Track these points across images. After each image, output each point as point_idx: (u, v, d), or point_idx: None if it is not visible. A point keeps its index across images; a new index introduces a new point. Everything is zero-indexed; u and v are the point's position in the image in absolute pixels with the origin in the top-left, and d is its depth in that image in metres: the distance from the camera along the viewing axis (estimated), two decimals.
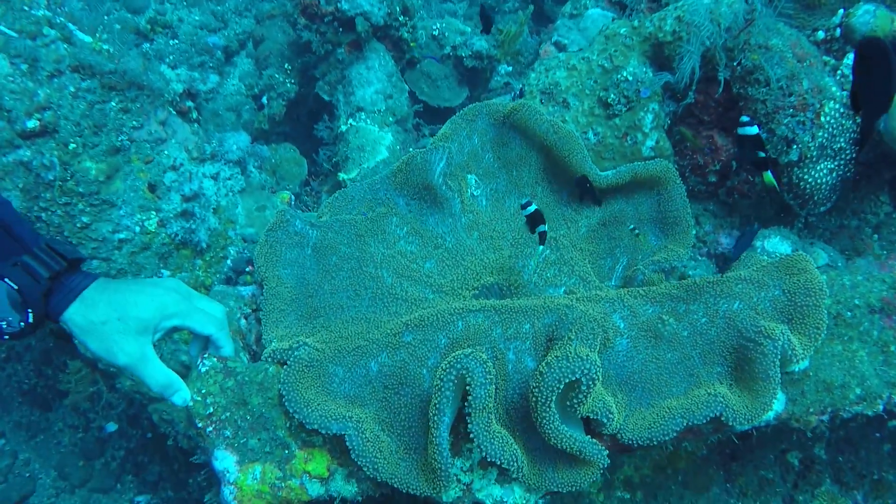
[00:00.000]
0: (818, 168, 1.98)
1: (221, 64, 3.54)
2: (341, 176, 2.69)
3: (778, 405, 1.58)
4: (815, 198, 2.04)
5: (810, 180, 1.99)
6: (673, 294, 1.59)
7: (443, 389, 1.30)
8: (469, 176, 2.14)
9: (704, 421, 1.45)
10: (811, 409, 1.59)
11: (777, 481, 2.20)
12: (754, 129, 1.72)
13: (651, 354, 1.53)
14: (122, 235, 2.23)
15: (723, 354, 1.53)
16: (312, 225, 2.01)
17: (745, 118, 1.73)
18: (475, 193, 2.13)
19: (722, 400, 1.45)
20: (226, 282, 2.36)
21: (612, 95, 2.08)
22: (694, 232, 2.09)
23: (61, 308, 1.31)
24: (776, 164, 1.97)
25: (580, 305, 1.50)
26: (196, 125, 2.63)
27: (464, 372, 1.30)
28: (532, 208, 1.72)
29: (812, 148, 1.92)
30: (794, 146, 1.92)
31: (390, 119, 2.91)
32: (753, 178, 2.06)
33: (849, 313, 1.62)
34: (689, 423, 1.46)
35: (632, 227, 2.00)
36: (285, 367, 1.52)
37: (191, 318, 1.44)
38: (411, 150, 2.93)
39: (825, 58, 2.02)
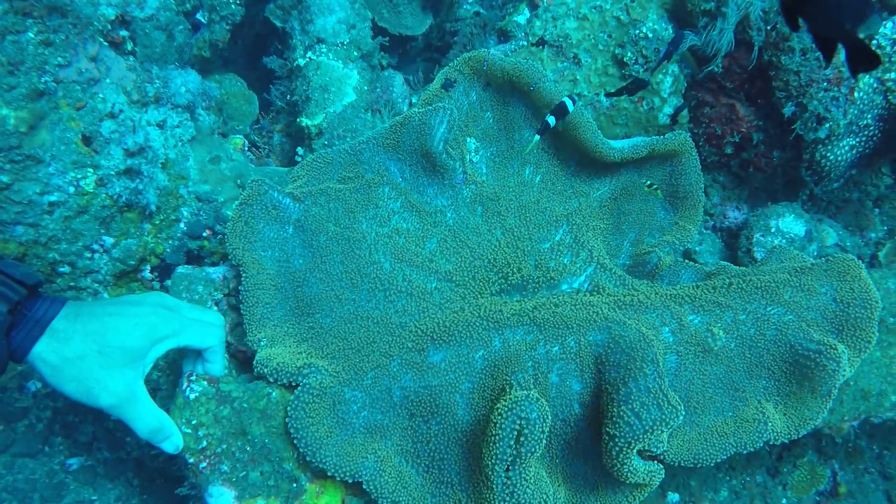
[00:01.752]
0: (840, 145, 1.86)
1: None
2: (305, 122, 2.38)
3: None
4: (832, 175, 1.93)
5: (832, 158, 1.88)
6: (720, 301, 1.45)
7: (504, 439, 1.12)
8: (468, 139, 1.90)
9: (753, 449, 1.36)
10: (846, 417, 1.53)
11: (763, 455, 2.20)
12: None
13: (698, 369, 1.40)
14: (52, 198, 1.88)
15: (770, 368, 1.42)
16: (293, 197, 1.74)
17: None
18: (474, 159, 1.90)
19: (771, 426, 1.36)
20: (178, 249, 2.06)
21: (628, 53, 1.86)
22: (703, 206, 1.95)
23: (27, 346, 1.05)
24: (801, 139, 1.83)
25: (630, 321, 1.34)
26: (132, 58, 2.22)
27: (523, 422, 1.12)
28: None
29: (841, 125, 1.79)
30: (826, 124, 1.78)
31: (355, 53, 2.57)
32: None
33: (892, 319, 1.54)
34: (739, 451, 1.36)
35: (648, 182, 1.82)
36: (294, 396, 1.30)
37: (186, 334, 1.20)
38: (378, 89, 2.63)
39: None
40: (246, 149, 2.47)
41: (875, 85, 1.80)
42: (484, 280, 1.63)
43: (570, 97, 1.69)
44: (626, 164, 1.89)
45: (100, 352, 1.07)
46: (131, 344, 1.11)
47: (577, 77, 1.87)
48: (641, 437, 1.15)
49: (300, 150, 2.42)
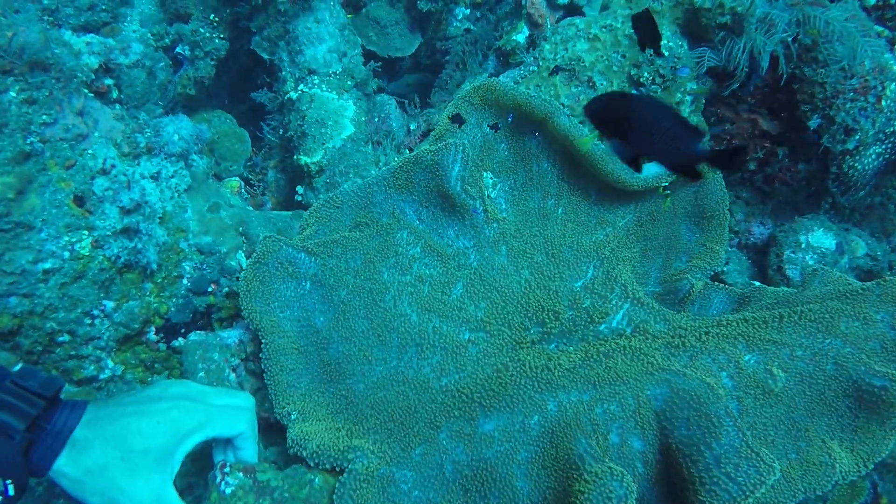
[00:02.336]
0: (867, 154, 1.80)
1: (115, 5, 2.91)
2: (304, 159, 2.27)
3: None
4: (859, 184, 1.87)
5: (859, 167, 1.82)
6: (775, 338, 1.38)
7: None
8: (485, 174, 1.81)
9: (822, 493, 1.30)
10: None
11: None
12: None
13: (759, 413, 1.33)
14: (46, 265, 1.76)
15: (832, 405, 1.35)
16: (308, 251, 1.64)
17: None
18: (492, 195, 1.81)
19: (839, 467, 1.29)
20: (183, 308, 1.95)
21: (644, 74, 1.78)
22: (728, 225, 1.89)
23: (48, 462, 0.95)
24: (827, 152, 1.77)
25: (688, 370, 1.26)
26: (119, 107, 2.11)
27: (608, 501, 1.04)
28: None
29: (870, 135, 1.73)
30: (855, 135, 1.72)
31: (349, 83, 2.47)
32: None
33: None
34: (808, 496, 1.29)
35: (664, 182, 1.74)
36: (340, 484, 1.20)
37: (214, 424, 1.11)
38: (376, 119, 2.53)
39: (878, 28, 1.80)
40: (242, 191, 2.36)
41: None
42: (520, 327, 1.54)
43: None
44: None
45: (122, 458, 0.98)
46: (155, 445, 1.01)
47: None
48: (741, 501, 1.07)
49: (300, 189, 2.32)
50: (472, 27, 2.94)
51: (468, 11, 2.99)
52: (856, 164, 1.80)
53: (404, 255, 1.68)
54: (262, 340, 1.53)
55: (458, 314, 1.59)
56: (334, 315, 1.57)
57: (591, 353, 1.37)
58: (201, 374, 1.53)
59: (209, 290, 1.97)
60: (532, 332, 1.54)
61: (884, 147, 1.81)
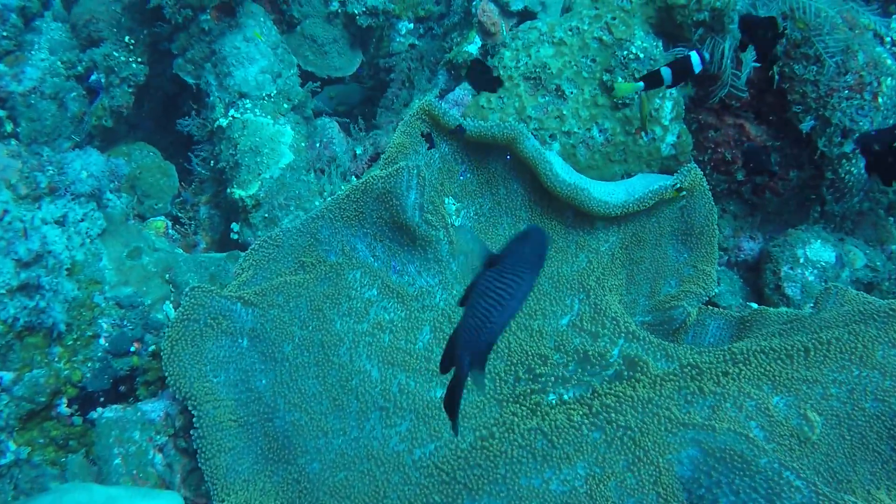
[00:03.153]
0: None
1: (19, 32, 2.61)
2: (238, 193, 2.01)
3: None
4: (854, 189, 1.71)
5: (856, 172, 1.66)
6: (804, 376, 1.17)
7: None
8: (447, 200, 1.58)
9: None
10: None
11: None
12: None
13: (795, 466, 1.11)
14: None
15: (876, 448, 1.15)
16: (244, 301, 1.38)
17: None
18: (456, 223, 1.58)
19: None
20: (101, 373, 1.65)
21: (618, 79, 1.59)
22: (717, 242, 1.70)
23: None
24: (823, 156, 1.60)
25: (715, 423, 1.04)
26: (14, 142, 1.82)
27: None
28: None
29: None
30: (853, 137, 1.56)
31: (285, 106, 2.23)
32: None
33: None
34: None
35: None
36: None
37: None
38: (318, 144, 2.29)
39: (864, 19, 1.65)
40: (169, 229, 2.08)
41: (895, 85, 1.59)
42: (502, 379, 1.31)
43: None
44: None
45: None
46: None
47: (564, 112, 1.60)
48: None
49: (235, 227, 2.05)
50: (417, 42, 2.74)
51: (412, 26, 2.78)
52: (852, 169, 1.64)
53: (358, 298, 1.43)
54: (194, 413, 1.26)
55: (428, 365, 1.35)
56: (279, 376, 1.31)
57: (594, 408, 1.15)
58: (117, 461, 1.25)
59: (132, 349, 1.68)
60: (519, 383, 1.31)
61: None
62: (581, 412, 1.15)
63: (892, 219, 1.95)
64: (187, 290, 1.32)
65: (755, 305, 1.74)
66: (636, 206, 1.56)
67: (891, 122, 1.62)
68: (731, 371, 1.20)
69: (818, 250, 1.70)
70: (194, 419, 1.24)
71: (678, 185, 1.54)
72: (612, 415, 1.12)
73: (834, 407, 1.15)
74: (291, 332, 1.36)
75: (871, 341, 1.19)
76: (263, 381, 1.31)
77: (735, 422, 1.08)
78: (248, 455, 1.22)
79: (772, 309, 1.59)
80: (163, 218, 2.09)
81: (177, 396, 1.28)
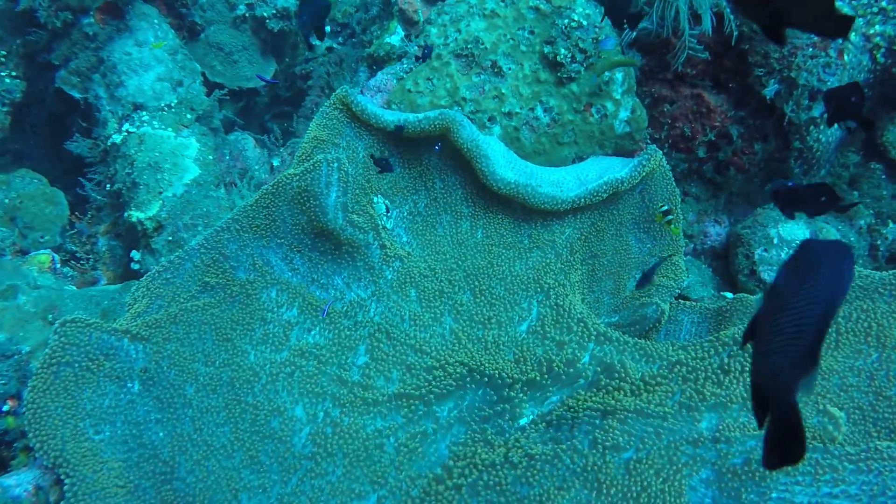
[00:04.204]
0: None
1: None
2: (135, 215, 1.74)
3: None
4: (822, 159, 1.56)
5: (824, 140, 1.50)
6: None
7: None
8: (375, 198, 1.36)
9: None
10: None
11: None
12: None
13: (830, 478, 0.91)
14: None
15: None
16: (132, 336, 1.11)
17: None
18: (387, 225, 1.35)
19: None
20: None
21: (561, 51, 1.40)
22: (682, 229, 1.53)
23: None
24: (790, 123, 1.45)
25: (725, 432, 0.83)
26: None
27: None
28: None
29: None
30: (820, 98, 1.40)
31: (188, 116, 1.97)
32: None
33: None
34: None
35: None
36: None
37: None
38: (227, 157, 2.03)
39: None
40: (57, 266, 1.78)
41: (861, 44, 1.45)
42: (457, 403, 1.07)
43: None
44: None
45: None
46: None
47: (503, 91, 1.39)
48: None
49: (135, 255, 1.77)
50: (334, 45, 2.52)
51: (328, 29, 2.56)
52: (820, 136, 1.49)
53: (276, 321, 1.18)
54: (66, 481, 0.98)
55: (365, 395, 1.11)
56: (179, 426, 1.05)
57: (576, 426, 0.92)
58: None
59: (4, 408, 1.39)
60: (476, 407, 1.08)
61: None
62: (557, 436, 0.93)
63: (856, 192, 1.81)
64: (56, 324, 1.05)
65: (730, 295, 1.56)
66: (588, 200, 1.37)
67: (860, 79, 1.48)
68: (729, 366, 1.00)
69: (791, 229, 1.54)
70: (65, 488, 0.97)
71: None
72: (598, 434, 0.90)
73: (855, 399, 0.96)
74: (194, 371, 1.10)
75: (885, 317, 1.01)
76: (160, 434, 1.04)
77: (745, 430, 0.87)
78: None
79: (752, 296, 1.42)
80: (48, 251, 1.79)
81: (45, 463, 1.00)
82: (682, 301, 1.48)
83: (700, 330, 1.46)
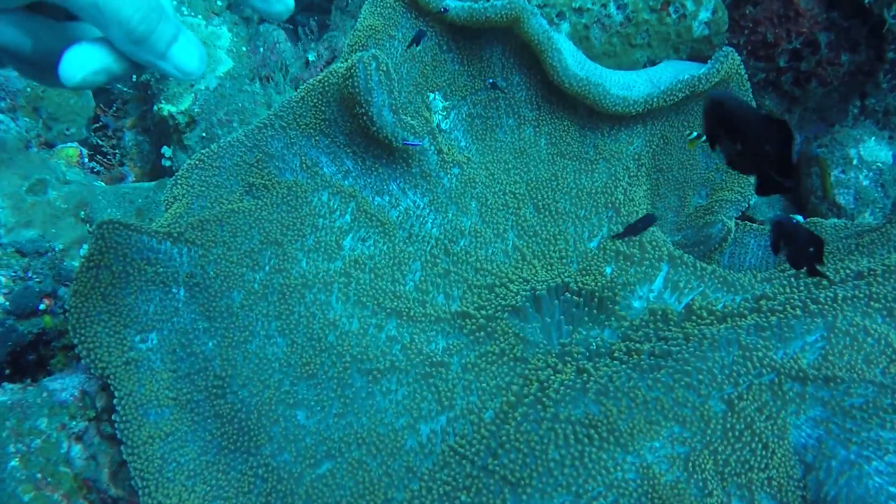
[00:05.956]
0: None
1: None
2: (166, 109, 1.63)
3: None
4: None
5: None
6: None
7: None
8: (432, 95, 1.25)
9: None
10: None
11: None
12: None
13: None
14: None
15: None
16: (174, 238, 1.04)
17: None
18: (444, 126, 1.25)
19: None
20: (1, 339, 1.31)
21: None
22: None
23: None
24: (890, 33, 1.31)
25: (831, 369, 0.77)
26: None
27: None
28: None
29: None
30: None
31: (219, 3, 1.83)
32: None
33: None
34: None
35: (692, 135, 1.26)
36: None
37: None
38: (261, 48, 1.90)
39: None
40: (86, 161, 1.70)
41: None
42: (523, 324, 1.01)
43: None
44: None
45: None
46: None
47: None
48: None
49: (167, 151, 1.68)
50: None
51: None
52: None
53: (328, 228, 1.11)
54: (115, 394, 0.94)
55: (424, 311, 1.04)
56: (229, 336, 0.99)
57: (656, 355, 0.86)
58: (14, 462, 0.93)
59: (41, 307, 1.34)
60: (539, 326, 1.01)
61: None
62: (638, 363, 0.86)
63: None
64: (94, 226, 0.98)
65: (800, 218, 1.47)
66: (662, 101, 1.25)
67: None
68: (821, 298, 0.92)
69: (873, 149, 1.43)
70: (115, 400, 0.92)
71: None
72: (684, 362, 0.83)
73: None
74: (242, 276, 1.04)
75: None
76: (210, 344, 0.99)
77: (853, 369, 0.80)
78: (193, 444, 0.92)
79: (827, 220, 1.32)
80: (75, 144, 1.70)
81: (93, 372, 0.95)
82: (748, 223, 1.39)
83: (767, 255, 1.38)
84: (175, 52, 0.48)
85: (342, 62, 1.21)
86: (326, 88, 1.16)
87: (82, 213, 1.45)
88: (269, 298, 1.03)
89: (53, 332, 1.35)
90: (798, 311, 0.89)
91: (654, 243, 1.13)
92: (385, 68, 1.11)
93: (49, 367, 1.31)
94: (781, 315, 0.89)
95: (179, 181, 1.18)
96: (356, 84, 1.08)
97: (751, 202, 1.40)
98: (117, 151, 1.95)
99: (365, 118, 1.11)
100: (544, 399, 0.83)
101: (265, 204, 1.12)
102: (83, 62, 0.46)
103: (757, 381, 0.79)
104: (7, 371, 1.32)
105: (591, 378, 0.85)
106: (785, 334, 0.84)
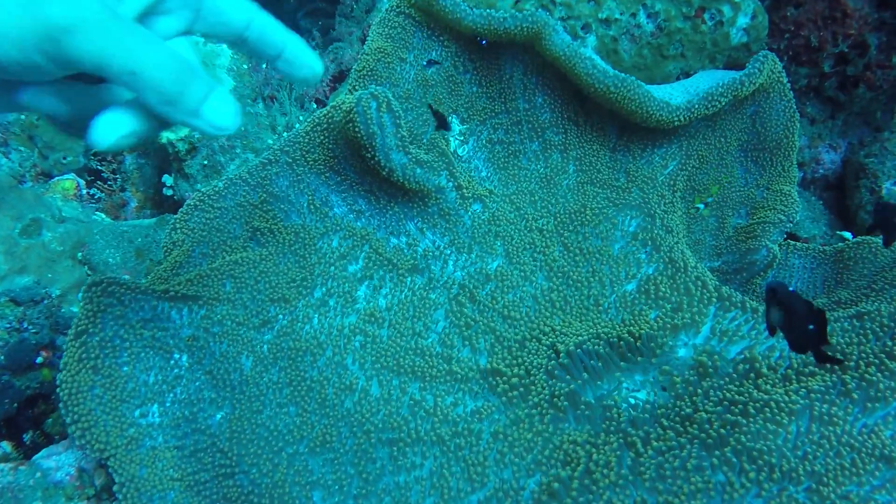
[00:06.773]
0: None
1: None
2: (164, 136, 1.54)
3: None
4: None
5: None
6: None
7: None
8: (450, 119, 1.15)
9: None
10: None
11: None
12: None
13: None
14: None
15: None
16: (173, 298, 0.95)
17: None
18: (461, 153, 1.15)
19: None
20: None
21: None
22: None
23: None
24: None
25: None
26: None
27: None
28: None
29: None
30: None
31: None
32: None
33: None
34: None
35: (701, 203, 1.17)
36: None
37: None
38: (264, 65, 1.80)
39: None
40: (83, 192, 1.61)
41: None
42: (553, 382, 0.91)
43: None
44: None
45: None
46: None
47: None
48: None
49: (167, 180, 1.60)
50: None
51: None
52: None
53: (340, 277, 1.01)
54: (115, 479, 0.85)
55: (447, 367, 0.95)
56: (239, 407, 0.90)
57: (710, 420, 0.76)
58: None
59: (37, 360, 1.26)
60: (576, 386, 0.92)
61: None
62: (697, 434, 0.76)
63: None
64: (85, 285, 0.89)
65: (848, 235, 1.36)
66: (703, 108, 1.13)
67: None
68: (893, 351, 0.82)
69: None
70: (115, 487, 0.84)
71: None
72: (744, 439, 0.73)
73: None
74: (250, 339, 0.95)
75: None
76: (217, 417, 0.90)
77: None
78: None
79: (873, 238, 1.21)
80: (72, 176, 1.62)
81: (88, 454, 0.87)
82: (792, 242, 1.29)
83: (814, 277, 1.28)
84: (207, 109, 0.50)
85: (348, 91, 1.11)
86: (331, 126, 1.06)
87: (80, 254, 1.37)
88: (279, 363, 0.94)
89: (52, 386, 1.27)
90: (873, 370, 0.79)
91: (700, 282, 1.03)
92: (389, 106, 1.00)
93: (46, 427, 1.23)
94: (854, 373, 0.79)
95: (179, 225, 1.08)
96: (357, 129, 0.98)
97: (796, 218, 1.30)
98: (118, 176, 1.86)
99: (373, 161, 1.01)
100: (592, 486, 0.73)
101: (270, 253, 1.02)
102: (113, 129, 0.49)
103: (835, 462, 0.69)
104: (2, 430, 1.24)
105: (643, 456, 0.76)
106: (868, 401, 0.74)
